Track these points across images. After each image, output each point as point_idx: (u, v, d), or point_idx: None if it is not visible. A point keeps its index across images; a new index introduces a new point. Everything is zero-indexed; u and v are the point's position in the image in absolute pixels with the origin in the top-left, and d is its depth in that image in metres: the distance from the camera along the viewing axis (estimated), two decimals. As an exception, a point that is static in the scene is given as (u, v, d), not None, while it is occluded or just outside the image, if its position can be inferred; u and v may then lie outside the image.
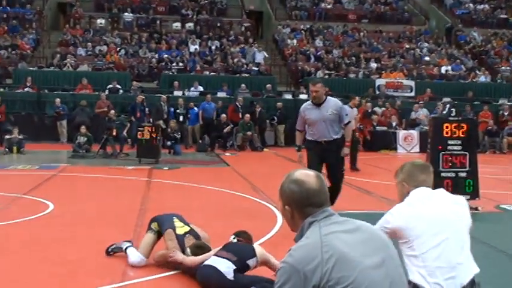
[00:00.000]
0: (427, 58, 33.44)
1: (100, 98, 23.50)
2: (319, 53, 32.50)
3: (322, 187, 2.98)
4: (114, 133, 19.65)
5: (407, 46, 34.53)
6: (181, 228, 6.69)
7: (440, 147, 10.57)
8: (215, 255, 6.03)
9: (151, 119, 22.19)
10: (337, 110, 9.05)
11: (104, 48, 30.97)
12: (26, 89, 25.53)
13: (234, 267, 5.84)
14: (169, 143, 20.68)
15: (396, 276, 2.87)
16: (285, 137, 24.35)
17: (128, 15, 35.32)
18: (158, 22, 35.35)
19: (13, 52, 29.66)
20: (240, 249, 6.07)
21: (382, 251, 2.89)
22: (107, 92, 25.16)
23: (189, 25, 35.18)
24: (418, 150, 23.24)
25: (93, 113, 23.23)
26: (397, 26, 37.54)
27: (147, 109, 23.08)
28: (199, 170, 16.73)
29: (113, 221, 9.03)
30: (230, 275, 5.80)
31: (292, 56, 32.07)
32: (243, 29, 35.66)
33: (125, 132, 20.42)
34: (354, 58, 32.36)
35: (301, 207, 2.93)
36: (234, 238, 6.41)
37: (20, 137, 20.10)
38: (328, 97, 9.29)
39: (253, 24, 37.12)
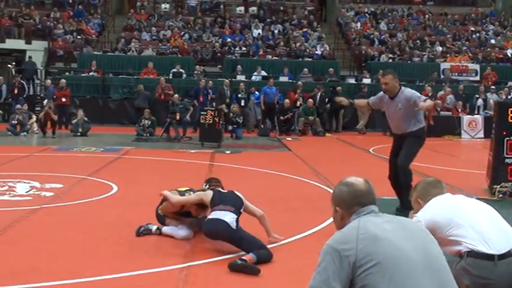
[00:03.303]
0: (492, 41, 32.64)
1: (159, 83, 23.69)
2: (383, 37, 32.08)
3: (370, 189, 3.22)
4: (178, 117, 19.81)
5: (472, 29, 33.77)
6: (181, 188, 7.34)
7: (505, 133, 10.32)
8: (218, 209, 6.51)
9: (214, 103, 22.29)
10: (408, 102, 8.39)
11: (168, 32, 31.20)
12: (90, 73, 25.95)
13: (236, 217, 6.48)
14: (230, 127, 20.74)
15: (434, 257, 3.00)
16: (345, 123, 24.22)
17: (192, 0, 35.48)
18: (222, 6, 35.45)
19: (78, 37, 30.16)
20: (234, 200, 6.70)
21: (420, 237, 3.07)
22: (167, 76, 25.36)
23: (253, 9, 35.15)
24: (482, 135, 22.71)
25: (153, 97, 23.46)
26: (462, 8, 36.78)
27: (210, 93, 23.20)
28: (260, 154, 16.72)
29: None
30: (234, 225, 6.40)
31: (355, 39, 31.72)
32: (306, 12, 35.43)
33: (188, 116, 20.55)
34: (418, 41, 31.81)
35: (350, 206, 3.17)
36: (206, 185, 7.22)
37: (86, 119, 20.48)
38: (403, 88, 8.64)
39: (316, 8, 36.84)
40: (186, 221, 7.19)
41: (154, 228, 7.19)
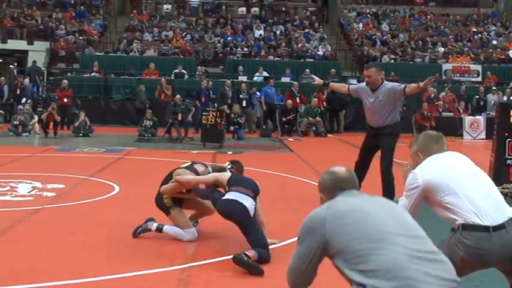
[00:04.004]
0: (494, 42, 32.62)
1: (160, 84, 23.57)
2: (385, 37, 32.07)
3: (351, 176, 3.53)
4: (180, 118, 19.82)
5: (474, 29, 33.74)
6: (185, 164, 7.17)
7: (506, 134, 10.32)
8: (238, 190, 6.38)
9: (215, 104, 22.30)
10: (390, 93, 8.78)
11: (170, 33, 31.22)
12: (92, 74, 25.96)
13: (254, 204, 6.38)
14: (232, 127, 20.75)
15: (402, 221, 3.28)
16: (346, 123, 24.22)
17: (194, 1, 35.58)
18: (224, 7, 35.46)
19: (80, 37, 30.17)
20: (254, 186, 6.57)
21: (392, 207, 3.40)
22: (169, 77, 25.39)
23: (254, 10, 35.17)
24: (484, 136, 22.68)
25: (151, 98, 23.39)
26: (464, 8, 36.77)
27: (211, 94, 23.20)
28: (262, 155, 16.73)
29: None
30: (252, 212, 6.29)
31: (357, 40, 31.71)
32: (308, 13, 35.43)
33: (190, 117, 20.56)
34: (420, 42, 31.80)
35: (332, 192, 3.48)
36: (228, 165, 7.10)
37: (88, 122, 20.50)
38: (386, 82, 9.09)
39: (318, 9, 36.85)
40: (194, 200, 7.07)
41: (154, 226, 7.03)
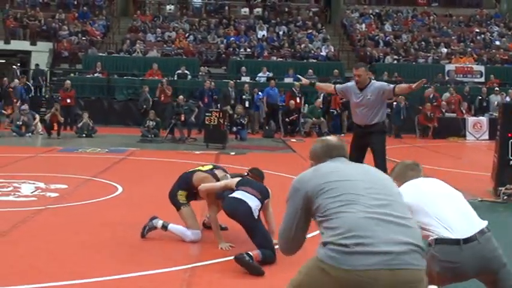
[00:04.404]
0: (497, 42, 32.59)
1: (162, 83, 23.46)
2: (387, 38, 32.07)
3: (341, 144, 3.67)
4: (182, 118, 19.84)
5: (477, 30, 33.72)
6: (206, 166, 7.15)
7: (510, 135, 10.31)
8: (245, 190, 6.43)
9: (218, 105, 22.31)
10: (379, 92, 8.87)
11: (173, 34, 31.23)
12: (95, 75, 25.97)
13: (260, 206, 6.39)
14: (235, 128, 20.75)
15: (380, 186, 3.38)
16: (350, 124, 24.14)
17: (197, 1, 35.61)
18: (227, 8, 35.44)
19: (83, 38, 30.20)
20: (263, 189, 6.58)
21: (374, 173, 3.54)
22: (172, 77, 25.41)
23: (257, 10, 35.16)
24: (487, 137, 22.66)
25: (154, 99, 23.40)
26: (467, 9, 36.75)
27: (214, 95, 23.22)
28: (265, 155, 16.70)
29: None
30: (256, 213, 6.30)
31: (360, 41, 31.71)
32: (310, 14, 35.43)
33: (193, 118, 20.58)
34: (423, 43, 31.79)
35: (321, 158, 3.62)
36: (247, 174, 6.97)
37: (91, 123, 20.52)
38: (374, 81, 9.21)
39: (321, 9, 36.84)
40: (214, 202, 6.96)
41: (159, 224, 7.05)
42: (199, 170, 7.07)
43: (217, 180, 6.90)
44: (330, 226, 3.18)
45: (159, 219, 7.12)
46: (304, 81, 10.15)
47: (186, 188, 7.07)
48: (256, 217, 6.30)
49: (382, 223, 3.15)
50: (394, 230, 3.15)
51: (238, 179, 6.75)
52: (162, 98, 22.80)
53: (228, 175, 7.08)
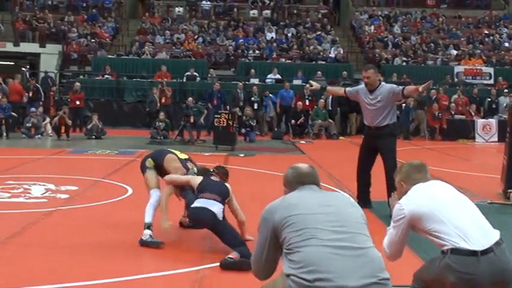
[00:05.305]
0: (506, 44, 32.49)
1: (162, 86, 23.39)
2: (396, 40, 32.02)
3: (312, 172, 3.87)
4: (192, 120, 19.88)
5: (486, 32, 33.61)
6: (182, 154, 7.45)
7: (519, 137, 10.30)
8: (204, 197, 6.62)
9: (227, 107, 22.34)
10: (389, 94, 8.92)
11: (182, 36, 31.26)
12: (105, 77, 26.06)
13: (223, 208, 6.62)
14: (244, 130, 20.78)
15: (342, 217, 3.54)
16: (358, 126, 24.12)
17: (206, 3, 35.59)
18: (235, 10, 35.45)
19: (92, 40, 30.26)
20: (221, 189, 6.77)
21: (336, 203, 3.67)
22: (181, 79, 25.46)
23: (266, 12, 35.16)
24: (496, 139, 22.54)
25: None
26: (476, 11, 36.58)
27: (223, 97, 23.25)
28: (274, 157, 16.72)
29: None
30: (220, 216, 6.56)
31: (369, 43, 31.68)
32: (319, 15, 35.41)
33: (202, 119, 20.62)
34: (432, 45, 31.72)
35: (292, 185, 3.82)
36: (213, 171, 7.14)
37: (100, 125, 20.59)
38: (383, 83, 9.26)
39: (330, 11, 36.81)
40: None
41: (147, 233, 6.89)
42: (175, 155, 7.36)
43: (188, 171, 7.19)
44: (292, 259, 3.36)
45: (144, 233, 6.96)
46: (315, 85, 10.13)
47: (155, 161, 7.35)
48: (221, 219, 6.55)
49: (341, 258, 3.30)
50: (355, 263, 3.30)
51: (200, 179, 6.93)
52: (163, 100, 22.84)
53: (194, 169, 7.31)
